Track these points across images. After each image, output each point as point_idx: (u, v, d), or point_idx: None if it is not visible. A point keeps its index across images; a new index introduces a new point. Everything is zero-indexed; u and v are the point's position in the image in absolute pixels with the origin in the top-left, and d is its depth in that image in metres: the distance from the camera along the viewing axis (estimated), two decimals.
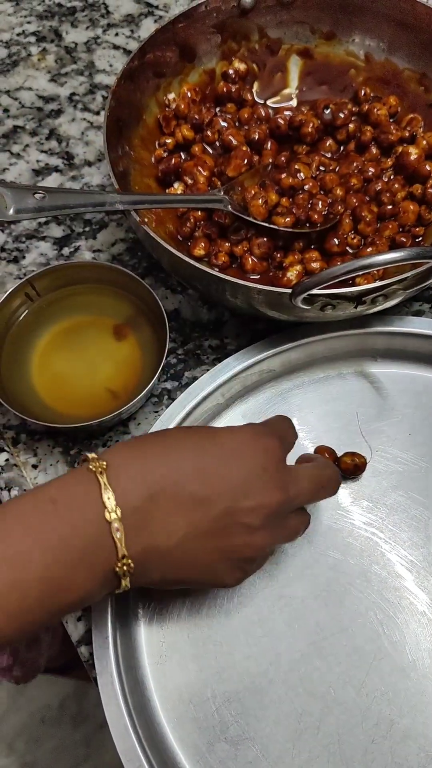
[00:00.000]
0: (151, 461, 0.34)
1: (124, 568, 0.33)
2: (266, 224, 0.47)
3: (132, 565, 0.33)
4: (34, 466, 0.47)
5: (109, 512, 0.32)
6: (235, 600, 0.42)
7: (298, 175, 0.49)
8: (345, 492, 0.45)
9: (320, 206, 0.48)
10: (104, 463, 0.33)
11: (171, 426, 0.44)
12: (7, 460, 0.48)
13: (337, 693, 0.40)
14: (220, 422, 0.47)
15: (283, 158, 0.52)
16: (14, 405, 0.45)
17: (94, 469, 0.33)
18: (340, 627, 0.41)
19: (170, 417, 0.45)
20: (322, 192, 0.50)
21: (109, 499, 0.32)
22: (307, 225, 0.48)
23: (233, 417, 0.48)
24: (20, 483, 0.47)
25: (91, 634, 0.40)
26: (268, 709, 0.39)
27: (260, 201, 0.47)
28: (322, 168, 0.51)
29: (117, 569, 0.32)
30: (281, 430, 0.39)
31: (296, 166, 0.50)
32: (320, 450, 0.45)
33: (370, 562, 0.43)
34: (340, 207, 0.48)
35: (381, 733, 0.39)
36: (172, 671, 0.41)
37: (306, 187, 0.49)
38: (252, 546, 0.36)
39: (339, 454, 0.46)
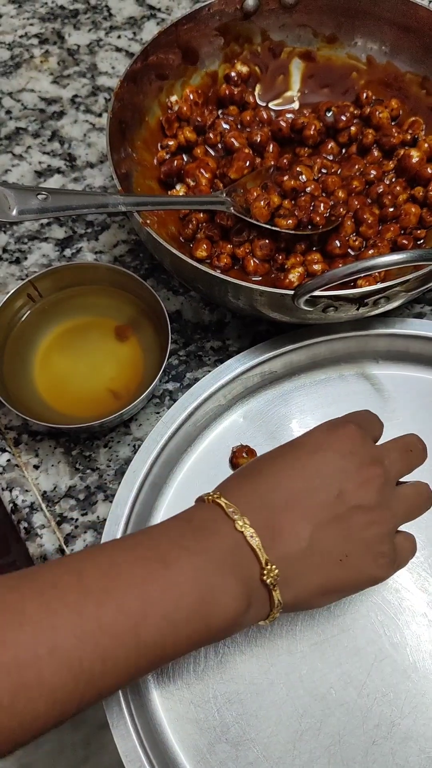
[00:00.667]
0: (253, 481, 0.35)
1: (272, 575, 0.33)
2: (268, 226, 0.48)
3: (277, 571, 0.33)
4: (36, 467, 0.47)
5: (239, 524, 0.33)
6: None
7: (300, 177, 0.49)
8: None
9: (322, 208, 0.48)
10: (218, 493, 0.35)
11: (173, 427, 0.44)
12: (8, 460, 0.48)
13: (338, 694, 0.40)
14: (222, 423, 0.48)
15: (285, 161, 0.52)
16: (16, 405, 0.45)
17: (210, 498, 0.34)
18: (341, 628, 0.41)
19: (172, 418, 0.45)
20: (324, 194, 0.50)
21: (233, 512, 0.33)
22: (309, 227, 0.48)
23: (234, 418, 0.48)
24: (21, 483, 0.47)
25: None
26: (269, 710, 0.40)
27: (262, 203, 0.47)
28: (324, 170, 0.52)
29: (264, 577, 0.32)
30: (355, 417, 0.39)
31: (298, 168, 0.50)
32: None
33: None
34: (342, 209, 0.48)
35: (382, 734, 0.39)
36: (173, 672, 0.41)
37: (308, 189, 0.49)
38: (377, 523, 0.35)
39: None
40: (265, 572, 0.32)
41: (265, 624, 0.35)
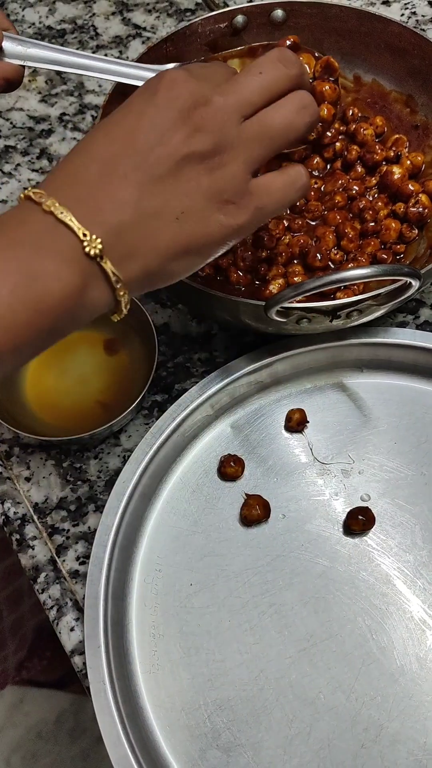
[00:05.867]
0: (68, 162, 0.33)
1: (93, 245, 0.30)
2: None
3: (99, 241, 0.30)
4: (27, 479, 0.48)
5: (47, 205, 0.30)
6: (225, 608, 0.43)
7: None
8: (332, 501, 0.46)
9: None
10: (28, 188, 0.32)
11: (161, 438, 0.45)
12: (0, 473, 0.48)
13: (326, 699, 0.40)
14: (210, 433, 0.48)
15: None
16: (7, 419, 0.45)
17: (20, 196, 0.32)
18: (329, 633, 0.42)
19: (160, 429, 0.46)
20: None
21: (40, 196, 0.31)
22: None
23: (222, 428, 0.49)
24: (13, 496, 0.47)
25: (84, 644, 0.40)
26: (259, 716, 0.40)
27: None
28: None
29: (86, 249, 0.30)
30: (181, 67, 0.34)
31: None
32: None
33: (358, 569, 0.44)
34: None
35: (370, 737, 0.39)
36: (164, 680, 0.41)
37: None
38: (216, 168, 0.32)
39: (329, 462, 0.47)
40: (85, 244, 0.30)
41: (123, 307, 0.33)
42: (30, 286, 0.29)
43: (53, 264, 0.30)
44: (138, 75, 0.45)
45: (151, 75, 0.43)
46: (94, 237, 0.30)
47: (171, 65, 0.45)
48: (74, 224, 0.30)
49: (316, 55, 0.51)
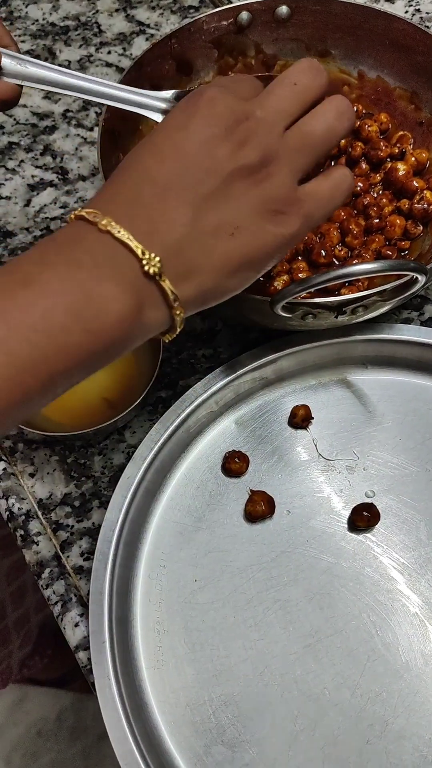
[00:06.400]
0: (117, 180, 0.33)
1: (152, 263, 0.30)
2: None
3: (157, 259, 0.30)
4: (32, 475, 0.48)
5: (102, 224, 0.30)
6: (230, 604, 0.43)
7: None
8: (337, 497, 0.46)
9: None
10: (79, 209, 0.32)
11: (165, 434, 0.45)
12: (4, 469, 0.48)
13: (331, 695, 0.40)
14: (214, 429, 0.48)
15: None
16: None
17: (73, 215, 0.31)
18: (334, 629, 0.42)
19: (164, 425, 0.46)
20: None
21: (95, 216, 0.30)
22: None
23: (227, 424, 0.49)
24: (17, 492, 0.47)
25: (89, 639, 0.40)
26: (264, 712, 0.40)
27: None
28: None
29: (146, 268, 0.30)
30: (214, 82, 0.35)
31: None
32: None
33: (362, 565, 0.44)
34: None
35: (375, 733, 0.39)
36: (169, 675, 0.41)
37: None
38: (264, 180, 0.32)
39: (333, 458, 0.47)
40: (144, 262, 0.30)
41: (178, 326, 0.33)
42: (87, 307, 0.29)
43: (111, 284, 0.29)
44: (139, 102, 0.44)
45: (153, 102, 0.44)
46: (152, 255, 0.30)
47: (171, 92, 0.45)
48: (132, 243, 0.30)
49: None
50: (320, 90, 0.35)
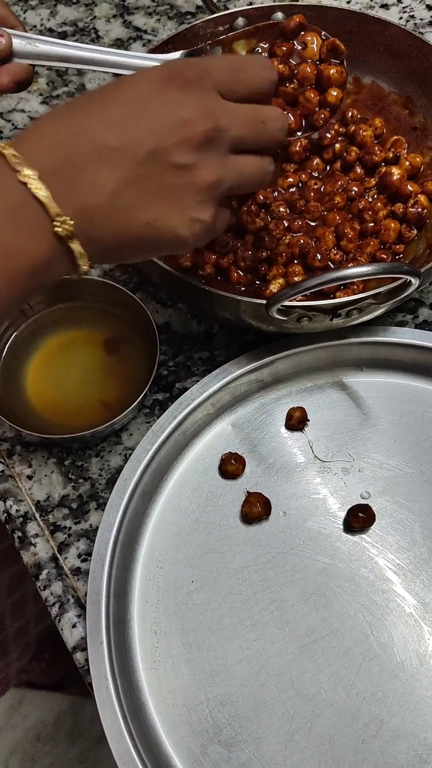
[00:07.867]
0: (54, 126, 0.33)
1: (65, 226, 0.31)
2: None
3: (71, 222, 0.31)
4: (29, 477, 0.48)
5: (23, 175, 0.31)
6: (226, 605, 0.43)
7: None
8: (333, 498, 0.46)
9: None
10: (6, 144, 0.32)
11: (162, 436, 0.46)
12: (2, 471, 0.48)
13: (327, 694, 0.41)
14: (211, 431, 0.49)
15: None
16: (9, 417, 0.46)
17: None
18: (329, 630, 0.42)
19: (161, 427, 0.46)
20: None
21: (18, 162, 0.31)
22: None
23: (223, 426, 0.49)
24: (15, 493, 0.48)
25: (86, 640, 0.40)
26: (260, 712, 0.40)
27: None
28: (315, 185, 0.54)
29: (57, 229, 0.31)
30: (201, 61, 0.35)
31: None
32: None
33: (358, 566, 0.44)
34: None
35: (371, 733, 0.40)
36: (166, 676, 0.41)
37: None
38: (194, 186, 0.33)
39: (329, 460, 0.47)
40: (57, 224, 0.31)
41: (82, 275, 0.34)
42: (5, 257, 0.31)
43: (27, 237, 0.31)
44: (148, 66, 0.44)
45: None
46: (67, 218, 0.31)
47: (178, 53, 0.45)
48: (50, 204, 0.31)
49: (323, 35, 0.50)
50: (273, 141, 0.36)
